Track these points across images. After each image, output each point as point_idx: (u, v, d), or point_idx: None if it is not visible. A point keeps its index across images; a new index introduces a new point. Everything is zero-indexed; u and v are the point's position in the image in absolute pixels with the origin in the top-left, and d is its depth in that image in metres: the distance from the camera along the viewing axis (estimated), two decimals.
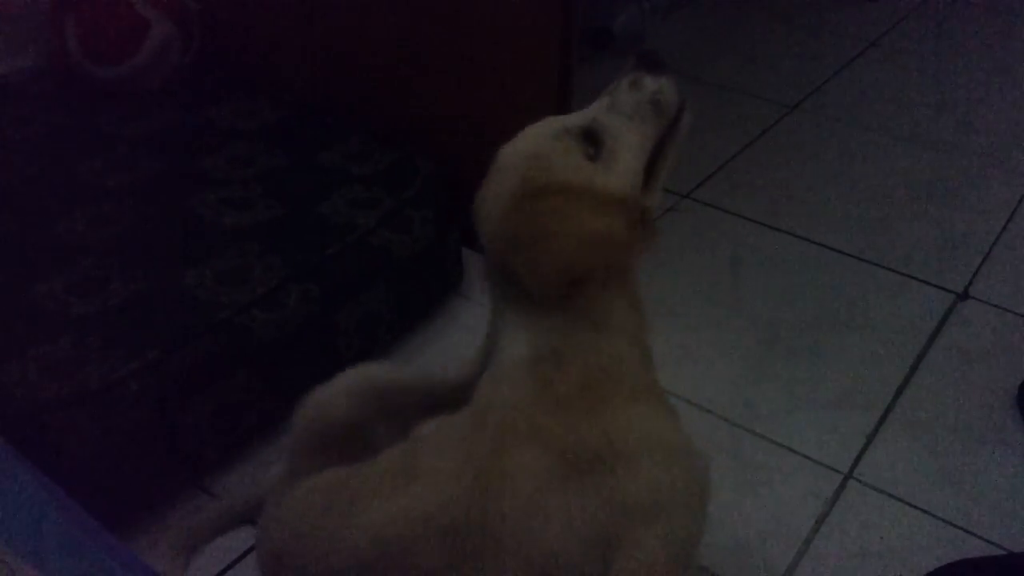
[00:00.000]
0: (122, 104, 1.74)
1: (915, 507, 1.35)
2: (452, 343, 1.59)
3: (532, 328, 0.91)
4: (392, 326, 1.53)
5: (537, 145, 0.93)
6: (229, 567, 1.22)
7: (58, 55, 1.78)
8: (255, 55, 1.88)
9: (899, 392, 1.54)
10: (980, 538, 1.30)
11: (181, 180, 1.53)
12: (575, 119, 0.95)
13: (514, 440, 0.88)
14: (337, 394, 1.03)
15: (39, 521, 0.80)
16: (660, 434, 0.92)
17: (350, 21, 1.71)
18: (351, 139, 1.66)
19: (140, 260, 1.34)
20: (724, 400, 1.52)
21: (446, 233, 1.59)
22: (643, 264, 0.97)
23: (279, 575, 0.94)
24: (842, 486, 1.38)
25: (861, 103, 2.44)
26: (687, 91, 0.97)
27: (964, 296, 1.76)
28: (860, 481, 1.38)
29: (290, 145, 1.64)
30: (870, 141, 2.27)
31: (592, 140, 0.92)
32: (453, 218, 1.60)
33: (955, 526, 1.32)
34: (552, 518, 0.86)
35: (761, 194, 2.06)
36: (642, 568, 0.87)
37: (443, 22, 1.61)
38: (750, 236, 1.93)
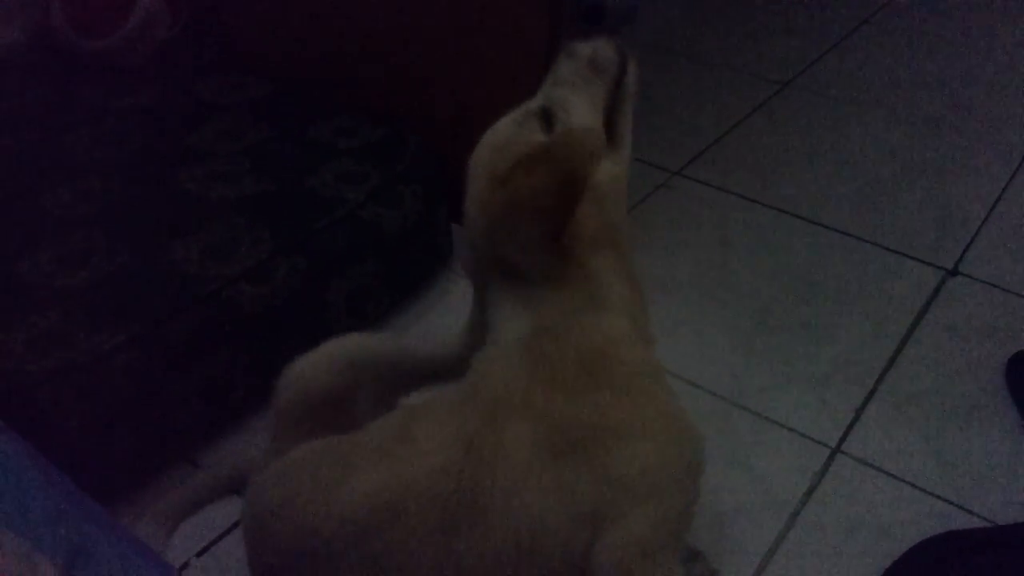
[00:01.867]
0: (108, 78, 1.72)
1: (903, 481, 1.35)
2: (442, 318, 1.59)
3: (528, 307, 0.92)
4: (381, 301, 1.53)
5: (501, 137, 0.96)
6: (216, 540, 1.22)
7: (44, 29, 1.76)
8: (242, 29, 1.86)
9: (888, 368, 1.55)
10: (967, 511, 1.31)
11: (167, 154, 1.52)
12: (533, 102, 0.98)
13: (508, 413, 0.88)
14: (319, 364, 1.03)
15: (24, 489, 0.80)
16: (656, 412, 0.92)
17: None
18: (339, 114, 1.64)
19: (127, 233, 1.33)
20: (713, 375, 1.52)
21: (435, 208, 1.58)
22: (634, 240, 0.97)
23: (266, 542, 0.94)
24: (830, 460, 1.38)
25: (853, 80, 2.43)
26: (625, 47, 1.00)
27: (954, 272, 1.76)
28: (848, 455, 1.39)
29: (277, 119, 1.62)
30: (862, 118, 2.26)
31: (547, 117, 0.96)
32: (442, 193, 1.59)
33: (943, 499, 1.32)
34: (542, 491, 0.86)
35: (752, 171, 2.05)
36: (630, 543, 0.87)
37: None
38: (741, 213, 1.92)
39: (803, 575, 1.22)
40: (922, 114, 2.28)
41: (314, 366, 1.04)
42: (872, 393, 1.50)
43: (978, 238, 1.86)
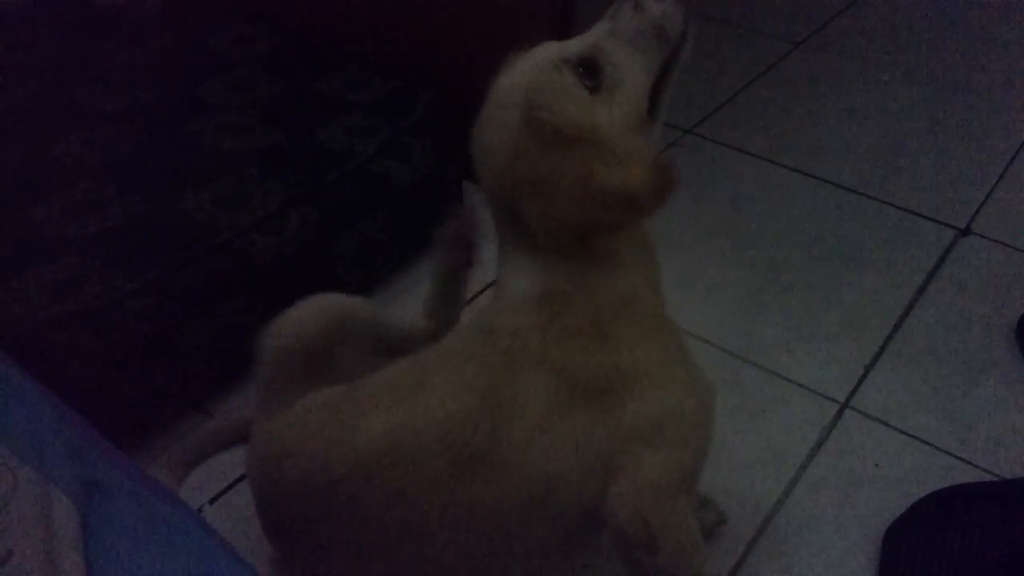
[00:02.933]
0: (118, 31, 1.71)
1: (911, 436, 1.35)
2: None
3: (539, 267, 0.91)
4: (391, 256, 1.53)
5: (535, 78, 0.87)
6: (229, 488, 1.23)
7: None
8: None
9: (898, 325, 1.55)
10: (975, 466, 1.31)
11: (179, 106, 1.52)
12: (574, 46, 0.89)
13: (523, 363, 0.89)
14: (306, 316, 1.03)
15: (40, 426, 0.81)
16: (668, 364, 0.93)
17: None
18: (349, 67, 1.64)
19: (138, 183, 1.33)
20: (724, 332, 1.52)
21: (446, 163, 1.58)
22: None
23: (277, 485, 0.95)
24: (839, 415, 1.38)
25: (866, 40, 2.40)
26: (690, 17, 0.93)
27: (966, 232, 1.75)
28: (857, 410, 1.39)
29: (288, 73, 1.62)
30: (874, 78, 2.24)
31: (592, 69, 0.87)
32: (453, 148, 1.59)
33: (950, 454, 1.33)
34: (556, 440, 0.87)
35: (764, 130, 2.04)
36: (644, 489, 0.88)
37: None
38: (753, 171, 1.91)
39: (810, 527, 1.23)
40: (937, 73, 2.26)
41: (300, 318, 1.03)
42: (882, 349, 1.50)
43: (991, 198, 1.85)
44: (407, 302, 1.46)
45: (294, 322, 1.03)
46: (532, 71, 0.88)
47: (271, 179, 1.37)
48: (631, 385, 0.89)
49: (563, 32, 1.54)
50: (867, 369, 1.46)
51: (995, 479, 1.29)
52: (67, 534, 0.72)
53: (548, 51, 0.90)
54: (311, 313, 1.04)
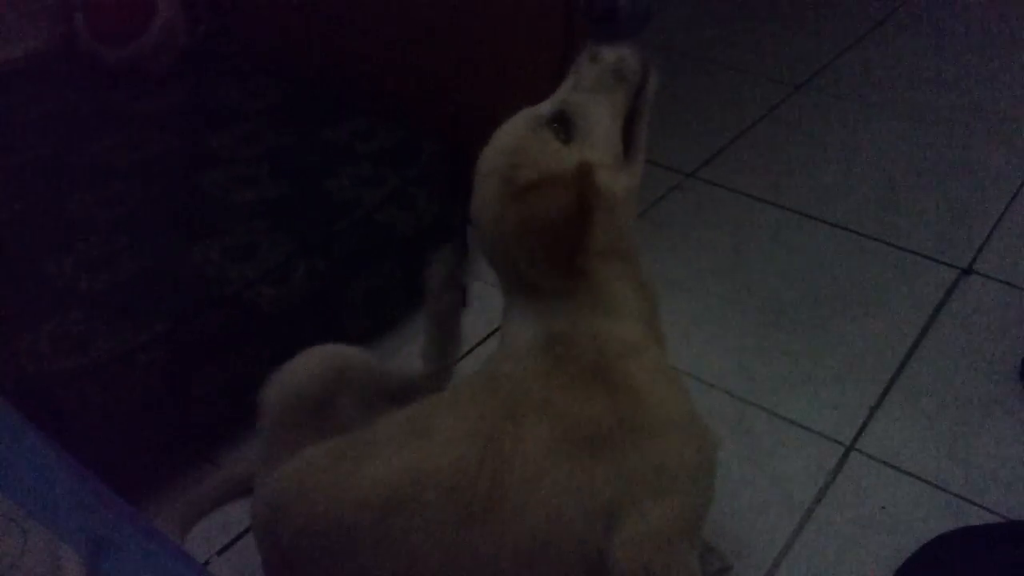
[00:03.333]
0: (131, 86, 1.75)
1: (918, 478, 1.35)
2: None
3: (540, 315, 0.94)
4: (399, 303, 1.55)
5: (513, 142, 0.96)
6: (237, 539, 1.24)
7: (68, 38, 1.79)
8: (261, 35, 1.89)
9: (902, 366, 1.55)
10: (982, 507, 1.31)
11: (189, 159, 1.55)
12: (546, 106, 0.98)
13: (527, 409, 0.91)
14: (306, 367, 1.05)
15: (49, 481, 0.82)
16: (670, 412, 0.94)
17: (354, 0, 1.72)
18: (356, 118, 1.66)
19: (149, 236, 1.36)
20: (728, 374, 1.53)
21: (450, 210, 1.60)
22: (648, 242, 0.99)
23: (282, 532, 0.95)
24: (844, 457, 1.39)
25: (866, 82, 2.43)
26: (648, 57, 0.99)
27: (968, 271, 1.76)
28: (863, 453, 1.39)
29: (296, 123, 1.65)
30: (875, 120, 2.26)
31: (564, 123, 0.95)
32: (457, 195, 1.61)
33: (958, 496, 1.33)
34: (558, 488, 0.88)
35: (766, 173, 2.06)
36: (647, 536, 0.89)
37: (446, 1, 1.61)
38: (755, 214, 1.93)
39: (817, 572, 1.22)
40: (937, 114, 2.28)
41: (302, 369, 1.05)
42: (886, 391, 1.50)
43: (993, 237, 1.86)
44: (416, 349, 1.47)
45: (294, 374, 1.05)
46: (511, 135, 0.96)
47: (279, 230, 1.39)
48: (633, 433, 0.90)
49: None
50: (872, 411, 1.47)
51: (1003, 520, 1.29)
52: None
53: (525, 115, 0.98)
54: (310, 365, 1.05)
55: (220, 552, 1.22)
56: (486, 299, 1.22)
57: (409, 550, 0.89)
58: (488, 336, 1.50)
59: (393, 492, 0.90)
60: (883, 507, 1.31)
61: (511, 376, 0.93)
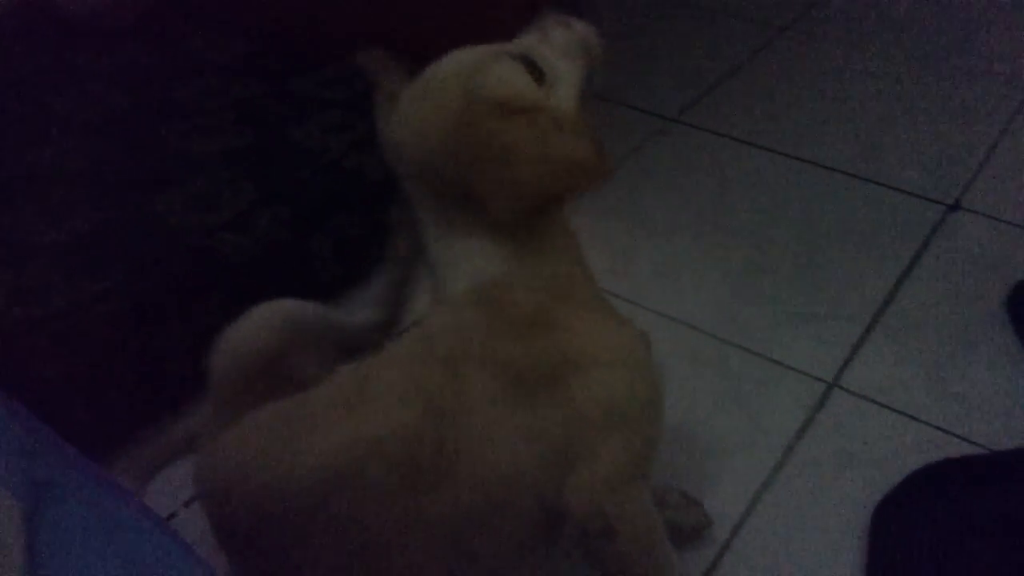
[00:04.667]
0: (94, 40, 1.71)
1: (901, 412, 1.33)
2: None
3: (476, 257, 0.89)
4: (368, 251, 1.51)
5: (476, 59, 0.89)
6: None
7: None
8: None
9: (886, 303, 1.52)
10: (966, 440, 1.28)
11: (151, 113, 1.52)
12: (508, 46, 0.92)
13: (467, 364, 0.86)
14: (253, 326, 1.00)
15: None
16: (614, 345, 0.91)
17: None
18: (323, 68, 1.63)
19: (109, 188, 1.33)
20: (709, 316, 1.50)
21: None
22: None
23: (228, 509, 0.91)
24: (826, 395, 1.36)
25: (850, 24, 2.38)
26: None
27: (955, 207, 1.73)
28: (845, 389, 1.37)
29: (263, 75, 1.62)
30: (859, 60, 2.21)
31: (531, 67, 0.89)
32: None
33: (941, 430, 1.30)
34: (508, 439, 0.84)
35: (750, 115, 2.02)
36: (598, 480, 0.86)
37: None
38: (738, 156, 1.89)
39: (797, 508, 1.20)
40: (922, 52, 2.23)
41: (248, 329, 1.00)
42: (870, 328, 1.47)
43: (981, 173, 1.82)
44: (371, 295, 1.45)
45: (240, 333, 1.00)
46: (471, 55, 0.89)
47: (242, 178, 1.36)
48: (579, 372, 0.86)
49: None
50: (855, 348, 1.44)
51: (986, 451, 1.27)
52: (11, 535, 0.71)
53: (481, 47, 0.91)
54: (258, 322, 1.00)
55: (187, 504, 1.20)
56: None
57: (360, 527, 0.85)
58: None
59: (335, 471, 0.85)
60: (865, 442, 1.29)
61: (448, 328, 0.89)
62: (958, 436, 1.29)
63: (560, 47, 0.92)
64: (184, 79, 1.60)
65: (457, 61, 0.90)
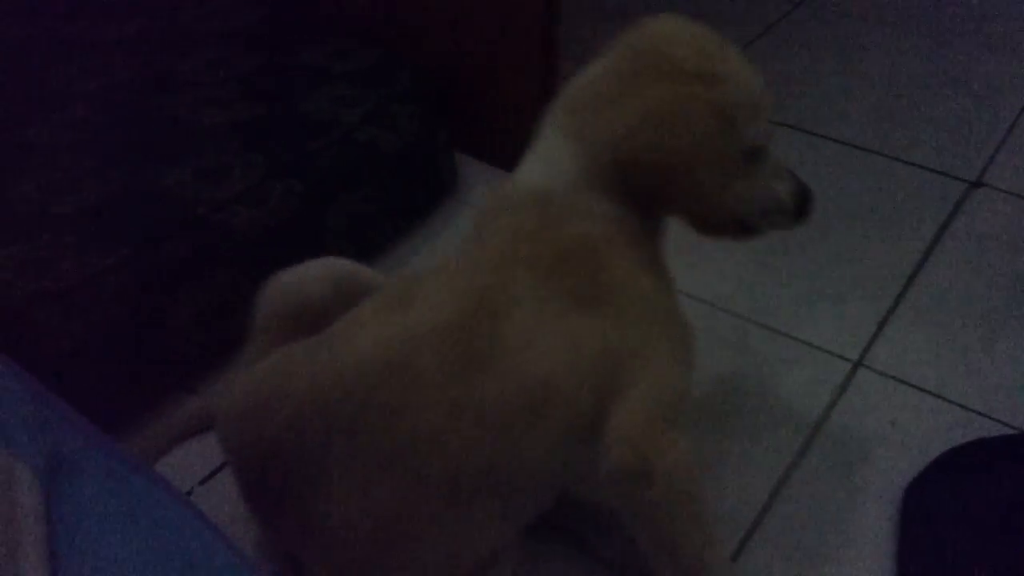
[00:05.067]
0: (93, 11, 1.66)
1: (927, 392, 1.30)
2: (447, 246, 1.54)
3: (564, 165, 0.92)
4: (383, 227, 1.48)
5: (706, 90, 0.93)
6: (220, 468, 1.18)
7: None
8: None
9: (910, 280, 1.49)
10: (995, 420, 1.26)
11: (155, 83, 1.47)
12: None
13: (517, 269, 0.88)
14: (305, 276, 1.00)
15: (1, 397, 0.76)
16: (656, 293, 0.92)
17: None
18: (330, 40, 1.59)
19: (115, 160, 1.29)
20: (731, 295, 1.47)
21: (434, 130, 1.53)
22: None
23: (260, 435, 0.89)
24: (852, 374, 1.33)
25: None
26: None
27: (978, 184, 1.69)
28: (871, 368, 1.34)
29: (267, 46, 1.57)
30: (875, 34, 2.18)
31: (754, 153, 0.99)
32: (441, 116, 1.54)
33: (969, 409, 1.27)
34: (551, 348, 0.86)
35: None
36: (638, 417, 0.86)
37: None
38: None
39: (826, 488, 1.17)
40: (940, 26, 2.19)
41: (299, 278, 1.00)
42: (895, 306, 1.44)
43: (1002, 149, 1.78)
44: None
45: (294, 279, 1.00)
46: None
47: (253, 151, 1.32)
48: (620, 302, 0.88)
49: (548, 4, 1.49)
50: (880, 326, 1.41)
51: (1015, 432, 1.24)
52: (30, 508, 0.68)
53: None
54: (313, 273, 1.00)
55: (203, 482, 1.17)
56: None
57: (410, 415, 0.84)
58: None
59: (384, 362, 0.85)
60: (892, 422, 1.26)
61: (505, 228, 0.91)
62: (986, 416, 1.26)
63: (775, 176, 1.05)
64: (187, 51, 1.55)
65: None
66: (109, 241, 1.15)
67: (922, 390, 1.30)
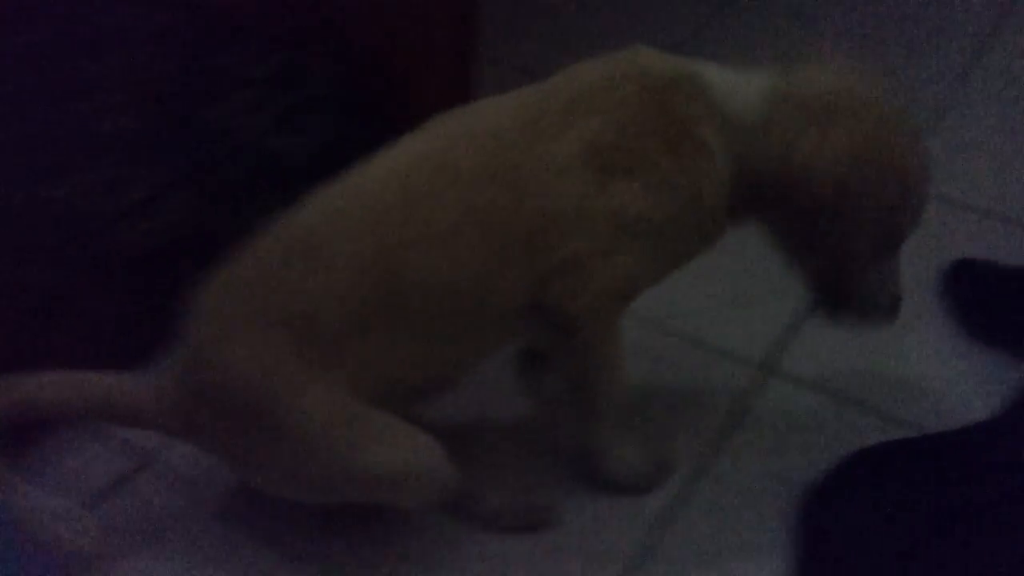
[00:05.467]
0: (4, 11, 1.62)
1: (837, 396, 1.31)
2: None
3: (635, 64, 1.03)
4: None
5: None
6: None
7: None
8: None
9: None
10: (901, 423, 1.27)
11: (55, 91, 1.43)
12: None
13: (580, 111, 0.96)
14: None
15: None
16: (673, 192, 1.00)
17: None
18: (246, 41, 1.56)
19: (4, 173, 1.25)
20: (640, 301, 1.46)
21: (346, 135, 1.51)
22: None
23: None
24: (760, 379, 1.33)
25: None
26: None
27: None
28: (780, 374, 1.34)
29: (177, 50, 1.54)
30: (810, 35, 2.18)
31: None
32: (354, 121, 1.52)
33: (876, 412, 1.28)
34: (566, 188, 0.94)
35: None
36: (591, 285, 0.97)
37: None
38: None
39: (737, 490, 1.18)
40: (868, 26, 2.21)
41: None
42: (804, 311, 1.45)
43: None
44: None
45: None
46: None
47: (153, 161, 1.29)
48: (637, 179, 0.95)
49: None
50: (789, 330, 1.41)
51: (921, 434, 1.25)
52: None
53: None
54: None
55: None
56: None
57: (431, 202, 0.93)
58: None
59: (424, 156, 0.95)
60: (800, 427, 1.26)
61: (583, 76, 1.00)
62: (896, 420, 1.27)
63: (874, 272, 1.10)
64: (94, 55, 1.51)
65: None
66: None
67: (832, 395, 1.31)
